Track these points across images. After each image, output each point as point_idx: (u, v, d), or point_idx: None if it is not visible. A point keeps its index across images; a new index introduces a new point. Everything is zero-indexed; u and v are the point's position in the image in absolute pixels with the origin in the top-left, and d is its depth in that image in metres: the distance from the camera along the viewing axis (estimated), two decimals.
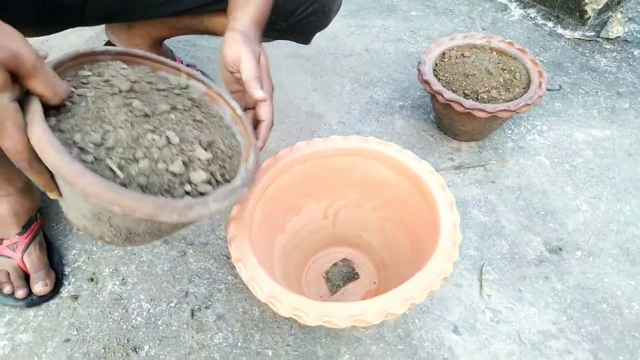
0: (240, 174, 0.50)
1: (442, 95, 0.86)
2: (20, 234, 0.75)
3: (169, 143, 0.45)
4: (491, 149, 0.97)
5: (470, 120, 0.89)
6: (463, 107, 0.84)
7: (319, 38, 1.25)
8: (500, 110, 0.83)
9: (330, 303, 0.53)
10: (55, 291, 0.76)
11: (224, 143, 0.51)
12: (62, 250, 0.82)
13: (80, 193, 0.37)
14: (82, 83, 0.46)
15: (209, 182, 0.47)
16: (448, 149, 0.98)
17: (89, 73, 0.47)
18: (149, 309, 0.75)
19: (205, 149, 0.48)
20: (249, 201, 0.63)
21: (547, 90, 1.10)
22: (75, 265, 0.80)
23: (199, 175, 0.46)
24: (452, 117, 0.91)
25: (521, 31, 1.28)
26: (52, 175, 0.42)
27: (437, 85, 0.87)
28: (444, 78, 0.91)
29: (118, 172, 0.41)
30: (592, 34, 1.25)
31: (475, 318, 0.73)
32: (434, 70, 0.93)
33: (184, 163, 0.45)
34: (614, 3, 1.29)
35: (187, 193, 0.44)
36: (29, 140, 0.38)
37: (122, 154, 0.42)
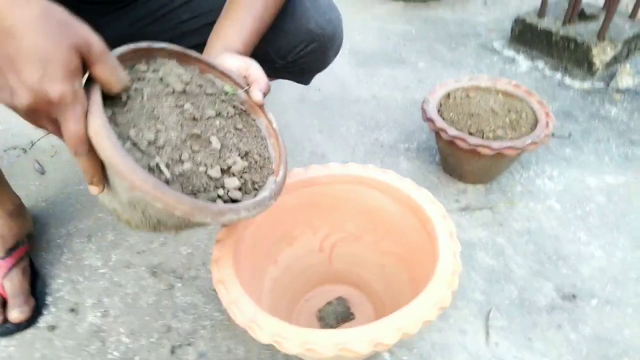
0: (269, 186, 0.52)
1: (445, 132, 0.84)
2: (3, 257, 0.73)
3: (211, 148, 0.49)
4: (499, 192, 0.94)
5: (475, 159, 0.86)
6: (467, 143, 0.82)
7: (327, 84, 1.28)
8: (506, 148, 0.80)
9: (314, 330, 0.48)
10: (32, 320, 0.72)
11: (258, 154, 0.54)
12: (47, 279, 0.79)
13: (127, 186, 0.40)
14: (138, 78, 0.48)
15: (240, 189, 0.50)
16: (454, 190, 0.94)
17: (145, 68, 0.49)
18: (127, 344, 0.70)
19: (242, 158, 0.52)
20: (238, 224, 0.60)
21: (557, 137, 1.08)
22: (58, 295, 0.76)
23: (232, 182, 0.49)
24: (456, 156, 0.89)
25: (529, 81, 1.28)
26: (102, 166, 0.43)
27: (440, 123, 0.85)
28: (448, 118, 0.90)
29: (165, 171, 0.43)
30: (602, 84, 1.24)
31: None
32: (439, 110, 0.92)
33: (222, 169, 0.48)
34: (622, 56, 1.29)
35: (219, 196, 0.47)
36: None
37: (170, 154, 0.45)
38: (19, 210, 0.77)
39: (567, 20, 1.33)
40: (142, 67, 0.49)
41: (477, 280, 0.78)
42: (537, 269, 0.79)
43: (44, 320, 0.73)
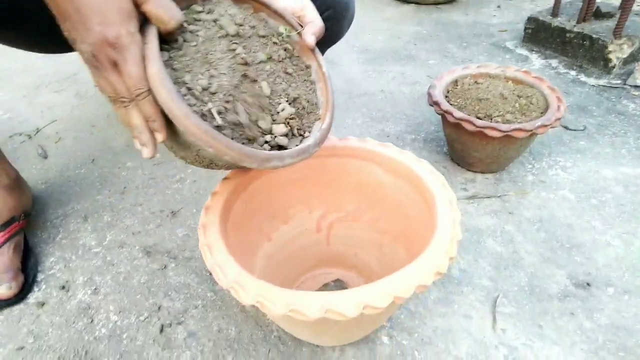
0: (314, 133, 0.53)
1: (452, 115, 0.81)
2: None
3: (262, 94, 0.49)
4: (509, 182, 0.90)
5: (482, 144, 0.83)
6: (474, 125, 0.78)
7: (334, 79, 1.26)
8: (515, 130, 0.77)
9: (299, 291, 0.45)
10: (21, 296, 0.70)
11: (307, 99, 0.54)
12: (40, 257, 0.77)
13: (182, 130, 0.41)
14: (195, 19, 0.48)
15: (286, 135, 0.50)
16: (462, 179, 0.91)
17: (201, 9, 0.49)
18: (116, 321, 0.67)
19: (290, 104, 0.52)
20: (226, 193, 0.57)
21: (571, 130, 1.03)
22: (50, 273, 0.75)
23: (280, 129, 0.50)
24: (463, 141, 0.85)
25: None
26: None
27: (446, 105, 0.83)
28: (455, 103, 0.87)
29: (217, 117, 0.44)
30: (619, 81, 1.20)
31: (486, 354, 0.62)
32: (446, 97, 0.89)
33: (272, 119, 0.50)
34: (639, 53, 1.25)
35: (266, 142, 0.49)
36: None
37: (222, 100, 0.45)
38: (15, 184, 0.76)
39: (582, 18, 1.30)
40: (198, 7, 0.49)
41: (485, 266, 0.73)
42: (548, 257, 0.75)
43: (33, 297, 0.71)
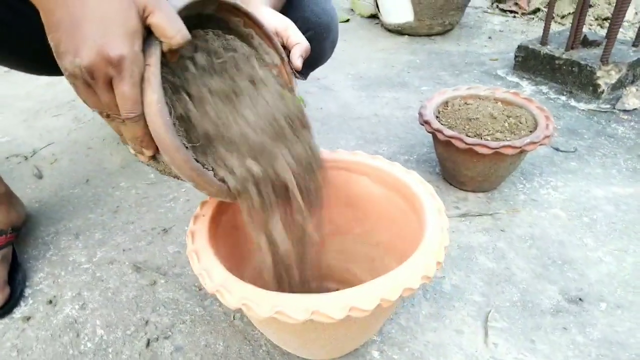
0: None
1: (442, 133, 0.82)
2: None
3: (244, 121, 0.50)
4: (501, 200, 0.90)
5: (473, 162, 0.83)
6: (464, 143, 0.80)
7: (329, 104, 1.29)
8: (504, 147, 0.78)
9: (285, 294, 0.45)
10: (7, 309, 0.69)
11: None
12: (29, 272, 0.76)
13: (168, 161, 0.42)
14: (195, 45, 0.49)
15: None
16: (454, 198, 0.91)
17: (203, 33, 0.51)
18: (102, 335, 0.66)
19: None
20: (216, 203, 0.58)
21: (562, 151, 1.05)
22: (37, 288, 0.74)
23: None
24: (454, 160, 0.86)
25: None
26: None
27: (437, 124, 0.84)
28: (446, 123, 0.89)
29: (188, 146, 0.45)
30: (608, 106, 1.22)
31: None
32: (437, 117, 0.91)
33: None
34: (627, 80, 1.28)
35: None
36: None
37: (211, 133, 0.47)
38: (3, 198, 0.76)
39: (570, 46, 1.34)
40: (200, 32, 0.50)
41: (476, 282, 0.73)
42: (540, 272, 0.74)
43: (19, 312, 0.70)
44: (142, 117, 0.40)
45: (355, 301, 0.43)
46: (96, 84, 0.38)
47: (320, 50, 0.82)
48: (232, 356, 0.63)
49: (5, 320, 0.69)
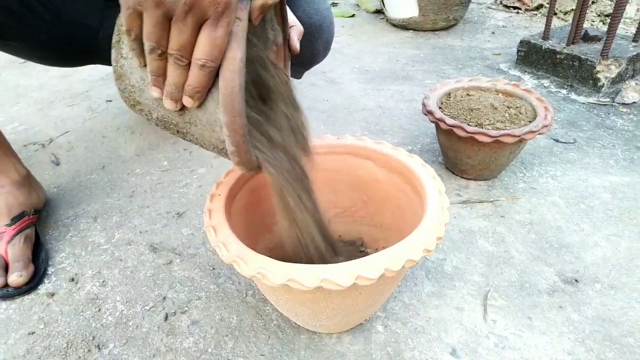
0: None
1: (444, 122, 0.85)
2: (8, 225, 0.76)
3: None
4: (501, 188, 0.94)
5: (474, 150, 0.87)
6: (465, 131, 0.83)
7: (334, 96, 1.32)
8: (504, 135, 0.81)
9: (297, 264, 0.48)
10: (32, 286, 0.73)
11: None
12: (51, 252, 0.81)
13: (221, 120, 0.40)
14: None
15: None
16: (455, 186, 0.95)
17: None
18: (122, 310, 0.70)
19: None
20: (230, 183, 0.61)
21: (561, 142, 1.08)
22: (60, 267, 0.78)
23: None
24: (456, 148, 0.90)
25: None
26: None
27: (439, 114, 0.87)
28: (448, 114, 0.92)
29: None
30: (607, 99, 1.25)
31: (477, 342, 0.64)
32: (440, 107, 0.94)
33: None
34: (627, 74, 1.31)
35: None
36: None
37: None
38: (25, 181, 0.80)
39: (571, 41, 1.37)
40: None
41: (476, 264, 0.76)
42: (538, 255, 0.78)
43: (44, 288, 0.74)
44: (216, 68, 0.39)
45: (362, 270, 0.47)
46: (184, 19, 0.36)
47: (312, 50, 0.84)
48: (245, 329, 0.66)
49: (31, 295, 0.73)
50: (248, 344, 0.65)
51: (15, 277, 0.71)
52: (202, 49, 0.37)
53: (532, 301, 0.70)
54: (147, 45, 0.38)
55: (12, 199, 0.77)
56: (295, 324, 0.67)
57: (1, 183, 0.77)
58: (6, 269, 0.73)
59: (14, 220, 0.76)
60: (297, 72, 0.93)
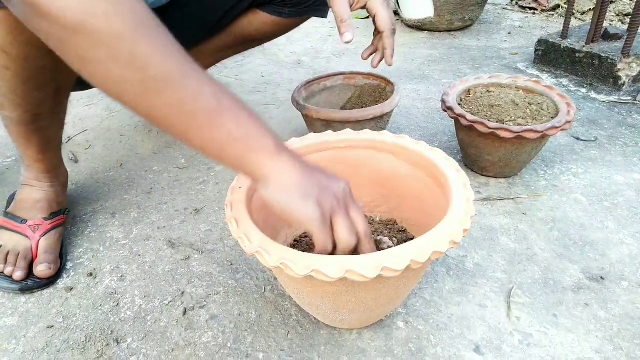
0: None
1: (465, 118, 0.84)
2: (46, 219, 0.77)
3: None
4: (522, 186, 0.92)
5: (495, 146, 0.86)
6: (487, 127, 0.82)
7: None
8: (527, 131, 0.80)
9: (321, 255, 0.48)
10: (52, 281, 0.73)
11: None
12: (69, 248, 0.81)
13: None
14: None
15: None
16: (475, 183, 0.93)
17: None
18: (141, 305, 0.70)
19: None
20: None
21: (582, 140, 1.06)
22: (78, 262, 0.78)
23: None
24: (476, 145, 0.89)
25: None
26: None
27: (459, 110, 0.86)
28: (468, 110, 0.91)
29: None
30: (629, 98, 1.23)
31: (501, 339, 0.63)
32: (459, 104, 0.93)
33: None
34: None
35: None
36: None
37: None
38: (66, 183, 0.85)
39: (591, 39, 1.35)
40: None
41: (499, 261, 0.75)
42: (561, 253, 0.76)
43: (62, 283, 0.74)
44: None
45: (387, 261, 0.46)
46: (337, 214, 0.48)
47: None
48: (264, 324, 0.66)
49: (50, 290, 0.73)
50: (267, 339, 0.64)
51: (44, 268, 0.71)
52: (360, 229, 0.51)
53: (557, 298, 0.68)
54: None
55: (55, 197, 0.80)
56: (315, 319, 0.66)
57: (53, 182, 0.81)
58: (30, 264, 0.73)
59: (54, 215, 0.78)
60: (324, 12, 1.00)
